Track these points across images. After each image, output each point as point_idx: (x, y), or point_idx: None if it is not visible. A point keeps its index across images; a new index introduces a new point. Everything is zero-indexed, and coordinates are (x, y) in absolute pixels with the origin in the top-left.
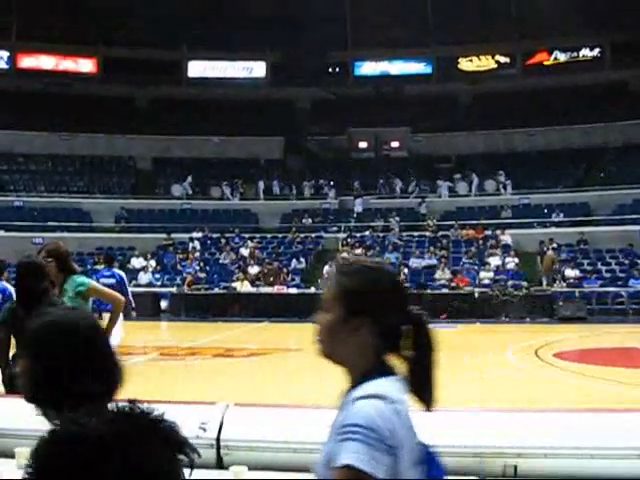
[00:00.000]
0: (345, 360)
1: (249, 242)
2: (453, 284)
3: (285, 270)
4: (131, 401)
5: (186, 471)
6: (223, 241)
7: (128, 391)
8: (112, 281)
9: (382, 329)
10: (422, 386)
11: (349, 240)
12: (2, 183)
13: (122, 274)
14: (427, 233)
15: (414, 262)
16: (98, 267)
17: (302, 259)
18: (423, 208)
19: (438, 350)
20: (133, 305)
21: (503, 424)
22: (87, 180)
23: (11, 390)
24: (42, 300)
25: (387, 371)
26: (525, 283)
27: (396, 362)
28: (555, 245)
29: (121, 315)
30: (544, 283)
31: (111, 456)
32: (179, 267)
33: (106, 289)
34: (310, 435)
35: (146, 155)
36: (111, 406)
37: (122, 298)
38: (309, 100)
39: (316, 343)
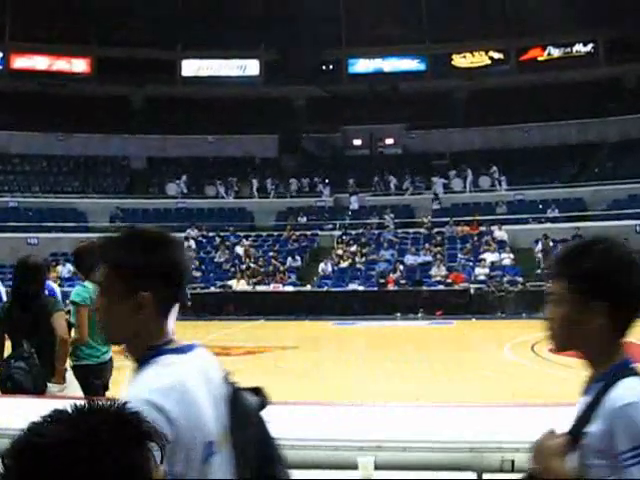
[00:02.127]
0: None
1: (244, 240)
2: (449, 280)
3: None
4: (88, 398)
5: (157, 456)
6: (218, 240)
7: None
8: None
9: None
10: None
11: (344, 237)
12: None
13: None
14: (422, 230)
15: (409, 259)
16: None
17: (297, 257)
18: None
19: None
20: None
21: (500, 419)
22: (82, 180)
23: (5, 390)
24: (36, 300)
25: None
26: (521, 279)
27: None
28: (551, 242)
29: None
30: None
31: (78, 461)
32: None
33: (83, 320)
34: (307, 432)
35: (140, 154)
36: (70, 406)
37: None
38: (303, 98)
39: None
